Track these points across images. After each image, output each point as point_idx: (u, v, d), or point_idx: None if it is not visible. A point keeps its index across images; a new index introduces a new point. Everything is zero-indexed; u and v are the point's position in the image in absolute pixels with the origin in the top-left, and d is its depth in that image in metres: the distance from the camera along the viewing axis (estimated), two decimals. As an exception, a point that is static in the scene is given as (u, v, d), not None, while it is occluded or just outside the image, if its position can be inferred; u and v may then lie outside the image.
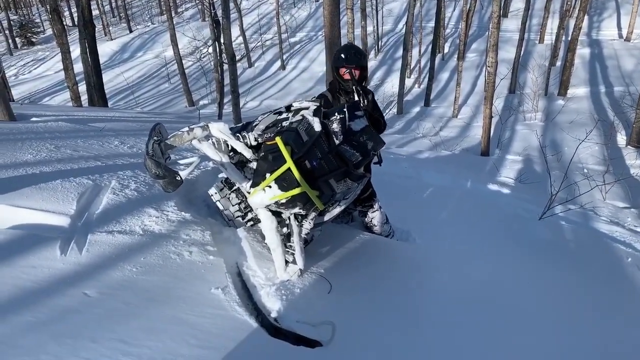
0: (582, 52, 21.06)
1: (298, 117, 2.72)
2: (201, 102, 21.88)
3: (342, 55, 3.31)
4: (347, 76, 3.31)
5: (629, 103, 14.63)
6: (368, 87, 3.46)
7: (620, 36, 22.93)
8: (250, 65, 26.39)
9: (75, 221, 2.74)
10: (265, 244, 2.71)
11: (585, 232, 5.89)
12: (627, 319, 3.65)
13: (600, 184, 8.52)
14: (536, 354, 2.82)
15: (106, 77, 20.94)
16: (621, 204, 8.91)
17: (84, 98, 13.83)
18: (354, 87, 3.31)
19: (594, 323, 3.41)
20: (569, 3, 22.23)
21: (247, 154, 2.74)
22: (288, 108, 3.05)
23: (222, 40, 11.40)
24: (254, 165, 2.79)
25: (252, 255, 2.80)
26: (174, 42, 20.70)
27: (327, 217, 2.89)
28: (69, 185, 3.07)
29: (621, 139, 13.52)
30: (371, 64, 24.13)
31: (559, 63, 19.95)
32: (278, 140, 2.44)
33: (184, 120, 9.65)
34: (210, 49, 18.33)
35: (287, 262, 2.67)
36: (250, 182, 2.62)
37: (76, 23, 16.30)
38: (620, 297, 3.96)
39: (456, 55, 20.34)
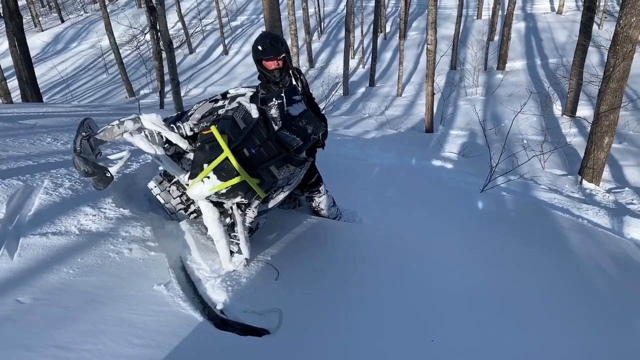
0: (518, 26, 21.74)
1: (234, 105, 2.68)
2: (142, 92, 21.21)
3: (260, 47, 3.18)
4: (271, 66, 3.23)
5: (563, 74, 15.24)
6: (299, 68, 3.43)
7: (553, 9, 23.82)
8: (192, 51, 25.74)
9: (5, 225, 2.60)
10: (210, 235, 2.67)
11: (525, 201, 6.12)
12: (566, 277, 3.83)
13: (539, 153, 8.86)
14: (487, 320, 2.90)
15: (39, 70, 20.05)
16: (559, 172, 9.32)
17: (17, 94, 13.12)
18: (290, 72, 3.28)
19: (538, 282, 3.58)
20: (503, -22, 22.78)
21: (183, 144, 2.67)
22: (224, 95, 3.00)
23: (158, 27, 11.02)
24: (191, 156, 2.73)
25: (195, 248, 2.74)
26: (109, 30, 19.86)
27: (271, 204, 2.87)
28: (-4, 188, 2.90)
29: (557, 109, 14.10)
30: (315, 45, 24.05)
31: (497, 38, 20.49)
32: (213, 129, 2.39)
33: (123, 112, 9.31)
34: (148, 37, 17.75)
35: (232, 252, 2.63)
36: (188, 173, 2.56)
37: (1, 14, 15.38)
38: (559, 259, 4.14)
39: (398, 34, 20.51)
